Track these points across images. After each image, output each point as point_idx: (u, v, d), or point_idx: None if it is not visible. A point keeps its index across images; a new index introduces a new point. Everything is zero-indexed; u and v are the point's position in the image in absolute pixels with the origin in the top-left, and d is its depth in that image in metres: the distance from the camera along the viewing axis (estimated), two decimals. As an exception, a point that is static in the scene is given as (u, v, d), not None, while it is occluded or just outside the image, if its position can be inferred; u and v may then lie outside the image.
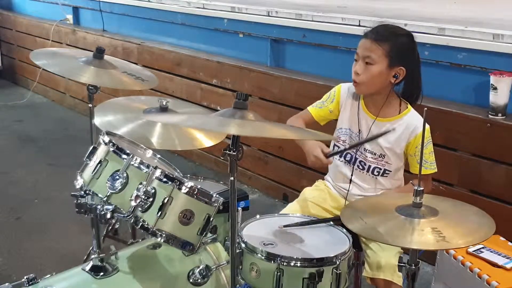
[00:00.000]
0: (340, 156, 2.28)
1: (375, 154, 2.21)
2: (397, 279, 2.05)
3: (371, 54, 2.10)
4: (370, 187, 2.25)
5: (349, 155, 2.26)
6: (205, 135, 2.31)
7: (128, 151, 1.89)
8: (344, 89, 2.31)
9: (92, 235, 1.98)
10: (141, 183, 1.82)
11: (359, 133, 2.23)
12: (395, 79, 2.14)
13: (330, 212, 2.30)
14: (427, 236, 1.54)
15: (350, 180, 2.26)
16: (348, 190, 2.26)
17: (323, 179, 2.44)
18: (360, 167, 2.24)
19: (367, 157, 2.22)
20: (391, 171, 2.22)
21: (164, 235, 1.82)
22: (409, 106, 2.22)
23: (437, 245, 1.52)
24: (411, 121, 2.18)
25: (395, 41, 2.13)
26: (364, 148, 2.22)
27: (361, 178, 2.26)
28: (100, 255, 1.95)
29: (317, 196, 2.34)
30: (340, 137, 2.27)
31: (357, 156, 2.24)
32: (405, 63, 2.14)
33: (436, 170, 2.21)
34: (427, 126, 2.12)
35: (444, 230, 1.55)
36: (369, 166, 2.23)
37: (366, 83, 2.13)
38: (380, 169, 2.22)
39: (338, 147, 2.28)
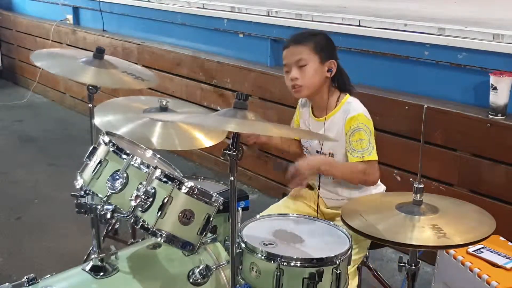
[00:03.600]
0: None
1: (325, 154, 2.24)
2: None
3: (301, 56, 2.14)
4: (333, 189, 2.27)
5: None
6: (205, 135, 2.31)
7: (128, 151, 1.89)
8: (300, 100, 2.38)
9: (92, 235, 1.98)
10: (141, 183, 1.82)
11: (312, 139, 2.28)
12: (330, 73, 2.18)
13: (309, 206, 2.33)
14: (428, 233, 1.54)
15: (319, 186, 2.28)
16: (318, 195, 2.30)
17: None
18: None
19: None
20: None
21: (164, 235, 1.82)
22: (347, 95, 2.24)
23: (437, 242, 1.52)
24: (345, 109, 2.18)
25: (315, 39, 2.19)
26: (317, 150, 2.25)
27: (325, 181, 2.28)
28: (100, 255, 1.95)
29: (303, 193, 2.38)
30: (307, 147, 2.32)
31: None
32: (332, 56, 2.19)
33: (368, 158, 2.10)
34: (360, 112, 2.15)
35: (444, 227, 1.56)
36: None
37: (306, 84, 2.16)
38: None
39: (305, 154, 2.33)
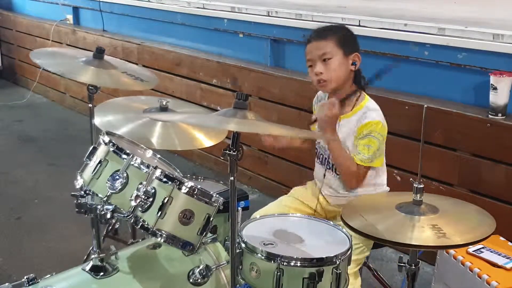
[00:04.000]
0: (317, 158, 2.33)
1: None
2: None
3: (325, 50, 2.13)
4: (337, 186, 2.26)
5: (321, 156, 2.30)
6: (205, 135, 2.31)
7: (128, 151, 1.89)
8: (317, 95, 2.39)
9: (92, 235, 1.98)
10: (141, 183, 1.82)
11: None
12: (354, 66, 2.18)
13: (308, 206, 2.32)
14: (427, 233, 1.54)
15: (324, 175, 2.27)
16: (321, 187, 2.30)
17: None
18: (328, 166, 2.27)
19: (330, 156, 2.24)
20: None
21: (164, 235, 1.82)
22: (366, 96, 2.23)
23: (437, 242, 1.52)
24: (363, 113, 2.17)
25: (338, 33, 2.19)
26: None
27: (330, 177, 2.27)
28: (100, 255, 1.95)
29: (302, 193, 2.38)
30: (319, 141, 2.31)
31: (325, 156, 2.27)
32: (356, 49, 2.19)
33: (369, 164, 2.14)
34: (378, 120, 2.14)
35: (444, 227, 1.56)
36: (333, 165, 2.24)
37: (331, 79, 2.15)
38: None
39: (316, 149, 2.33)
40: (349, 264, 1.82)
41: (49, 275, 1.97)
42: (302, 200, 2.35)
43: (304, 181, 2.46)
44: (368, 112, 2.16)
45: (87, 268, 1.96)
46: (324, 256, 1.74)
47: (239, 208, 2.01)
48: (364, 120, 2.14)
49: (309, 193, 2.38)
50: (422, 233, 1.55)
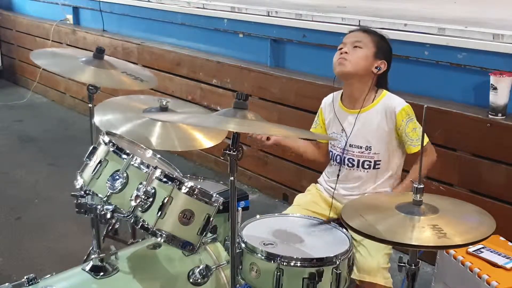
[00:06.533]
0: (331, 159, 2.34)
1: (361, 147, 2.24)
2: (384, 281, 2.09)
3: (362, 39, 2.22)
4: (362, 184, 2.26)
5: (338, 157, 2.29)
6: (204, 136, 2.31)
7: (128, 151, 1.89)
8: (324, 100, 2.41)
9: (92, 235, 1.98)
10: (141, 183, 1.83)
11: (342, 132, 2.27)
12: (377, 70, 2.22)
13: (321, 214, 2.30)
14: (428, 233, 1.54)
15: (338, 177, 2.29)
16: (335, 189, 2.30)
17: (316, 182, 2.45)
18: (350, 164, 2.26)
19: (354, 152, 2.25)
20: (381, 161, 2.24)
21: (164, 235, 1.82)
22: (384, 90, 2.27)
23: (438, 242, 1.52)
24: (389, 103, 2.23)
25: (381, 38, 2.27)
26: (350, 145, 2.25)
27: (351, 175, 2.27)
28: (100, 255, 1.95)
29: (308, 201, 2.37)
30: (335, 144, 2.32)
31: (344, 155, 2.27)
32: (387, 59, 2.25)
33: (428, 140, 2.22)
34: (407, 104, 2.23)
35: (444, 228, 1.55)
36: (358, 161, 2.24)
37: (352, 61, 2.20)
38: (370, 161, 2.24)
39: (331, 151, 2.34)
40: (349, 264, 1.82)
41: (49, 275, 1.97)
42: (307, 208, 2.32)
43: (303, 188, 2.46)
44: (393, 100, 2.23)
45: (87, 268, 1.96)
46: (324, 256, 1.74)
47: (239, 208, 2.01)
48: (396, 109, 2.20)
49: (312, 198, 2.37)
50: (422, 233, 1.55)
